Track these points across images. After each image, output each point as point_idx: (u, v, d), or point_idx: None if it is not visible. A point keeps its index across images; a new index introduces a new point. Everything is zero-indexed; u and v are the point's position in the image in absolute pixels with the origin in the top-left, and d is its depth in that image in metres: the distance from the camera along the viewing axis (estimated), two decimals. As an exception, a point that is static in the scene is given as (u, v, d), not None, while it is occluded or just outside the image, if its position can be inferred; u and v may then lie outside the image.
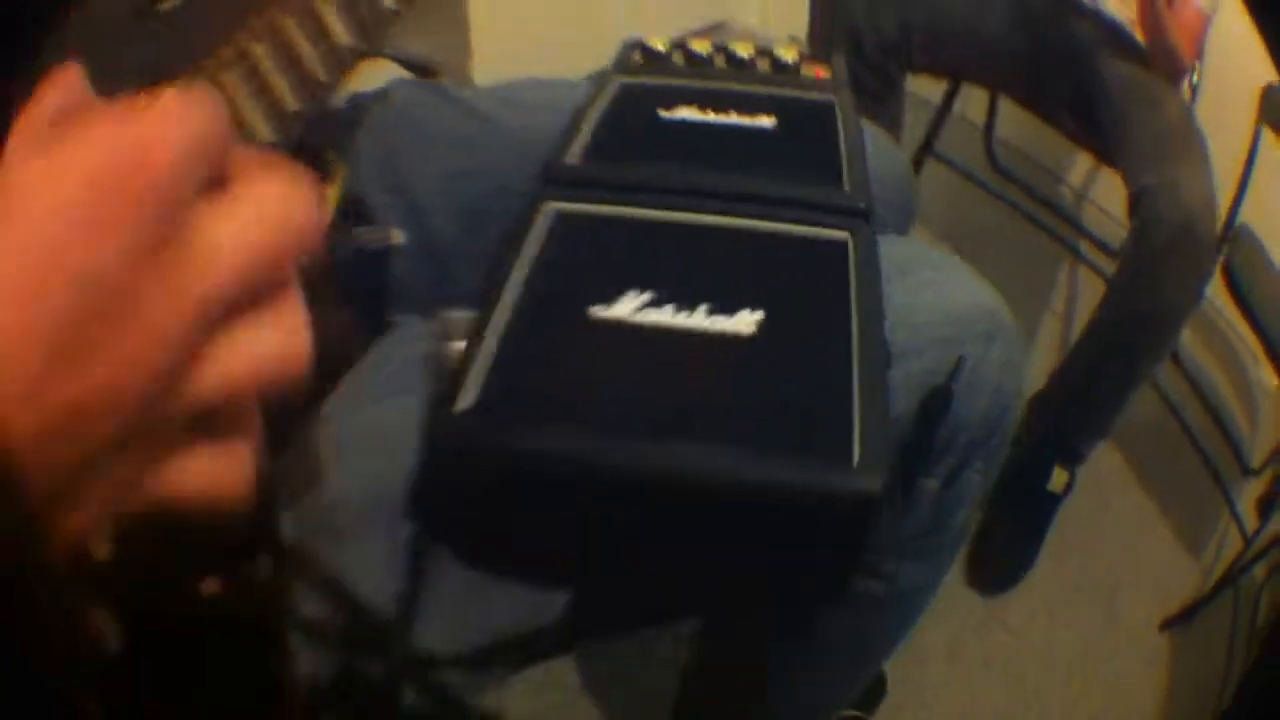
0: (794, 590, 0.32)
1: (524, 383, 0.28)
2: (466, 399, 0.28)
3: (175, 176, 0.17)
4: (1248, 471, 1.39)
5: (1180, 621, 1.27)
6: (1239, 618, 1.30)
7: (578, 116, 0.42)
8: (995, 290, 0.55)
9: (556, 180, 0.36)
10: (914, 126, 1.49)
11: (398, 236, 0.48)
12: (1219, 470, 1.43)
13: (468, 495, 0.30)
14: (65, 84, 0.20)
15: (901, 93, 1.31)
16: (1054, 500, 1.22)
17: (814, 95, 0.46)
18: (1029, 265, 1.63)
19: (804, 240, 0.34)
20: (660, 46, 0.49)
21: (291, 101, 0.39)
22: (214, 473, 0.20)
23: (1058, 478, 1.20)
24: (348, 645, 0.39)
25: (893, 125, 1.33)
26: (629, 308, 0.30)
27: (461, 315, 0.34)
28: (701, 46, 0.49)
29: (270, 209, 0.19)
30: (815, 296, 0.31)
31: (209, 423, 0.19)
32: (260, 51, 0.38)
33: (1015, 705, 1.15)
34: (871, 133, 0.59)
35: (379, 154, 0.53)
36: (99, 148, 0.17)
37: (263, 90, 0.38)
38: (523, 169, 0.53)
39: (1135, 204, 1.08)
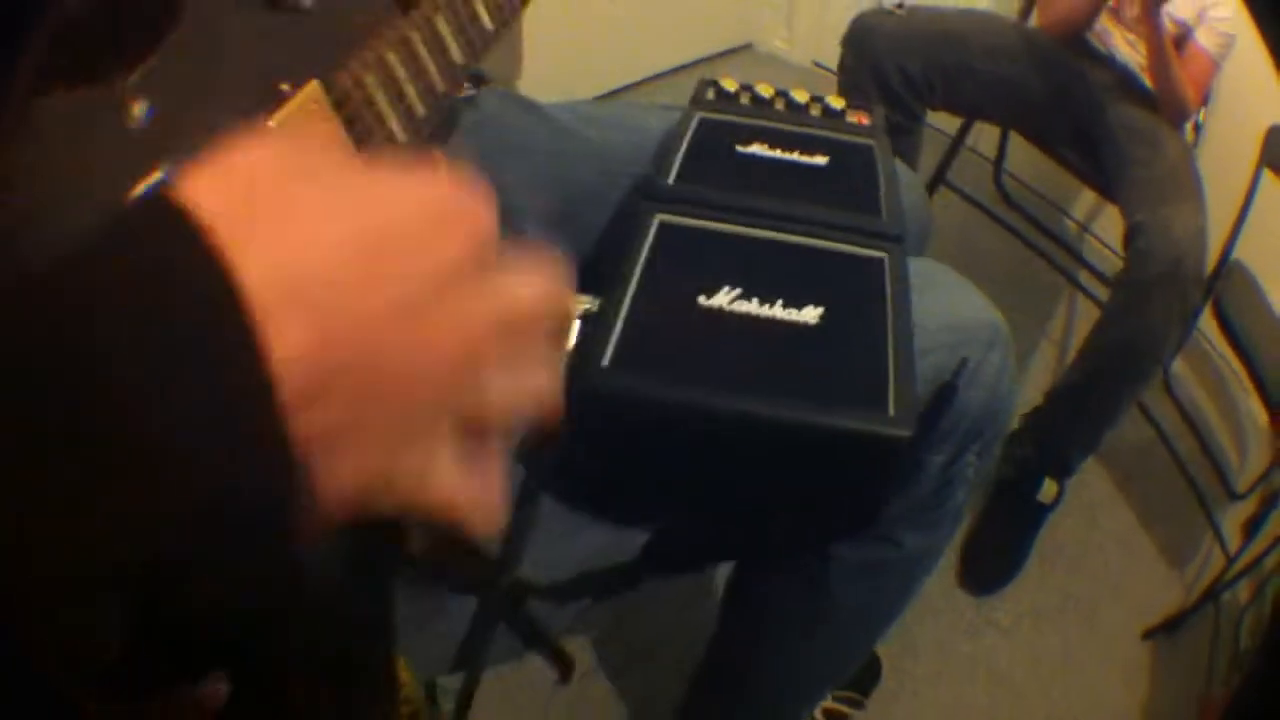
0: (834, 523, 0.44)
1: (649, 349, 0.40)
2: (606, 358, 0.39)
3: (489, 231, 0.23)
4: (1234, 496, 1.53)
5: (1162, 632, 1.40)
6: (1219, 634, 1.42)
7: (668, 143, 0.54)
8: (997, 308, 0.67)
9: (656, 196, 0.48)
10: (929, 155, 1.62)
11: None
12: (1204, 494, 1.56)
13: (596, 440, 0.41)
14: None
15: (921, 126, 1.44)
16: (1043, 510, 1.35)
17: (858, 139, 0.58)
18: (1030, 291, 1.76)
19: (853, 256, 0.46)
20: (730, 87, 0.61)
21: (420, 108, 0.50)
22: (476, 492, 0.22)
23: (1048, 489, 1.33)
24: (453, 580, 0.50)
25: (911, 155, 1.47)
26: (725, 299, 0.42)
27: (582, 297, 0.45)
28: (765, 90, 0.61)
29: (546, 278, 0.24)
30: (861, 298, 0.43)
31: (475, 442, 0.22)
32: (393, 59, 0.46)
33: (999, 704, 1.27)
34: (895, 166, 0.72)
35: (474, 158, 0.64)
36: (440, 191, 0.23)
37: (399, 96, 0.47)
38: (601, 178, 0.65)
39: (1130, 238, 1.21)
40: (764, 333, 0.41)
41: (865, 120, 0.60)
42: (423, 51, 0.46)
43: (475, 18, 0.52)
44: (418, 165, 0.23)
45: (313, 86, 0.39)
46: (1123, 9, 1.47)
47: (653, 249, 0.45)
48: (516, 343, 0.23)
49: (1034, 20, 1.55)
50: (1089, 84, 1.44)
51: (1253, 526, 1.38)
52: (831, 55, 1.96)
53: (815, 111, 0.60)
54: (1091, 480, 1.53)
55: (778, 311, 0.41)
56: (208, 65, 0.38)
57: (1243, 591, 1.42)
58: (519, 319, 0.23)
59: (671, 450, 0.41)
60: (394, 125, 0.44)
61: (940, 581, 1.33)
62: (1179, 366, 1.50)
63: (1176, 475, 1.59)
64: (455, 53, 0.50)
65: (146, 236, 0.18)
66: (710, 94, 0.60)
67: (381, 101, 0.43)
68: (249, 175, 0.20)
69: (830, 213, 0.47)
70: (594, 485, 0.45)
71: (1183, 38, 1.48)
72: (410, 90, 0.45)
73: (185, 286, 0.17)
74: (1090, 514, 1.50)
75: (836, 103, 0.60)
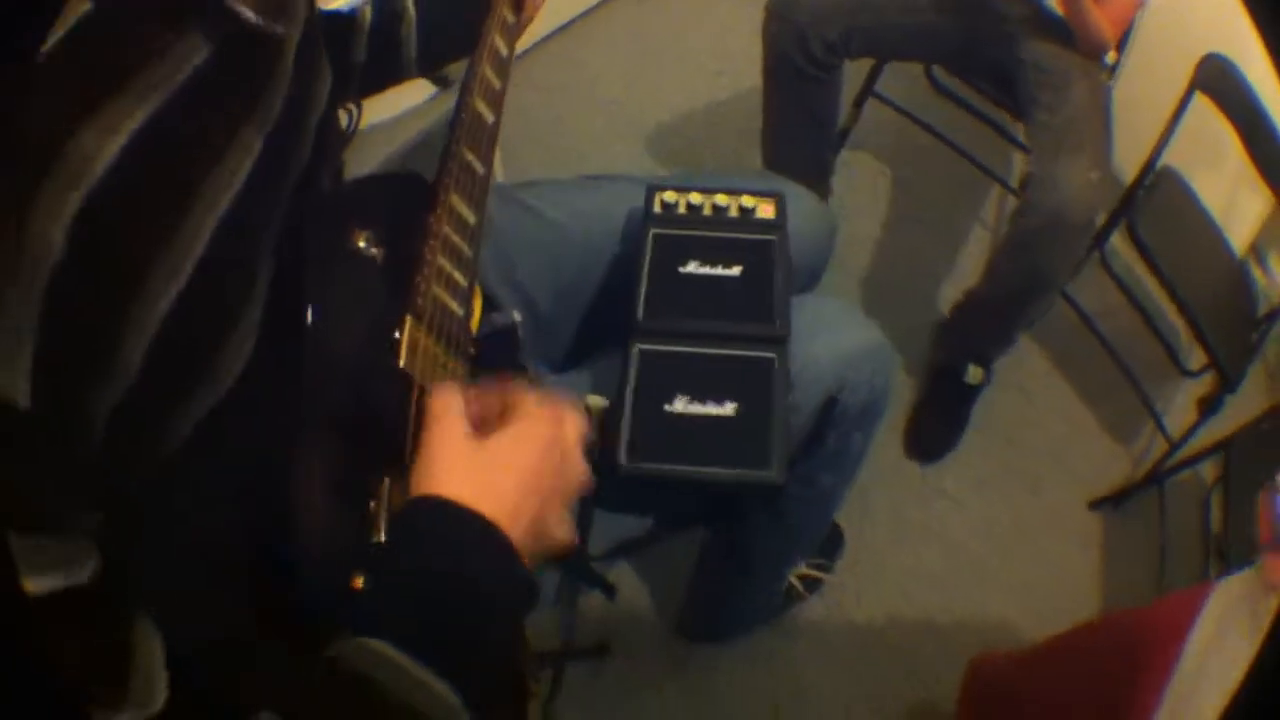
0: (755, 505, 0.88)
1: (643, 444, 0.82)
2: (622, 455, 0.82)
3: (575, 445, 0.65)
4: (1186, 373, 1.87)
5: (1109, 505, 1.81)
6: (1166, 512, 1.79)
7: (638, 269, 0.94)
8: (877, 328, 1.08)
9: (635, 330, 0.89)
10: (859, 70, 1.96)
11: (517, 316, 0.91)
12: (1135, 374, 1.91)
13: (622, 487, 0.84)
14: (450, 400, 0.64)
15: (840, 76, 1.78)
16: (973, 389, 1.78)
17: (764, 236, 0.98)
18: (964, 183, 2.15)
19: (754, 358, 0.87)
20: (670, 198, 1.01)
21: (463, 281, 0.77)
22: (571, 534, 0.65)
23: (973, 373, 1.76)
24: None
25: (832, 102, 1.82)
26: (681, 405, 0.83)
27: (595, 399, 0.86)
28: (700, 201, 1.00)
29: (579, 423, 0.66)
30: (759, 387, 0.85)
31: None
32: (443, 260, 0.74)
33: (957, 568, 1.71)
34: (803, 200, 1.12)
35: (495, 258, 1.03)
36: (541, 430, 0.63)
37: (452, 284, 0.75)
38: (590, 261, 1.05)
39: (1023, 185, 1.58)
40: (705, 424, 0.83)
41: (771, 212, 1.00)
42: (455, 237, 0.77)
43: (471, 170, 0.83)
44: (523, 404, 0.65)
45: (409, 322, 0.68)
46: None
47: (637, 371, 0.86)
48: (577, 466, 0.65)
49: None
50: (1002, 21, 1.73)
51: (1208, 406, 1.68)
52: None
53: (734, 211, 1.00)
54: (1027, 359, 1.95)
55: (710, 409, 0.84)
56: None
57: (1208, 471, 1.77)
58: (582, 487, 0.65)
59: (663, 488, 0.84)
60: (454, 306, 0.76)
61: (888, 454, 1.79)
62: (1117, 241, 1.77)
63: (1119, 353, 1.95)
64: (469, 217, 0.80)
65: (455, 520, 0.59)
66: (657, 206, 1.00)
67: (444, 296, 0.74)
68: (464, 477, 0.60)
69: (739, 326, 0.89)
70: (620, 504, 0.89)
71: None
72: (456, 274, 0.77)
73: (478, 533, 0.58)
74: (1025, 392, 1.93)
75: (749, 202, 1.00)
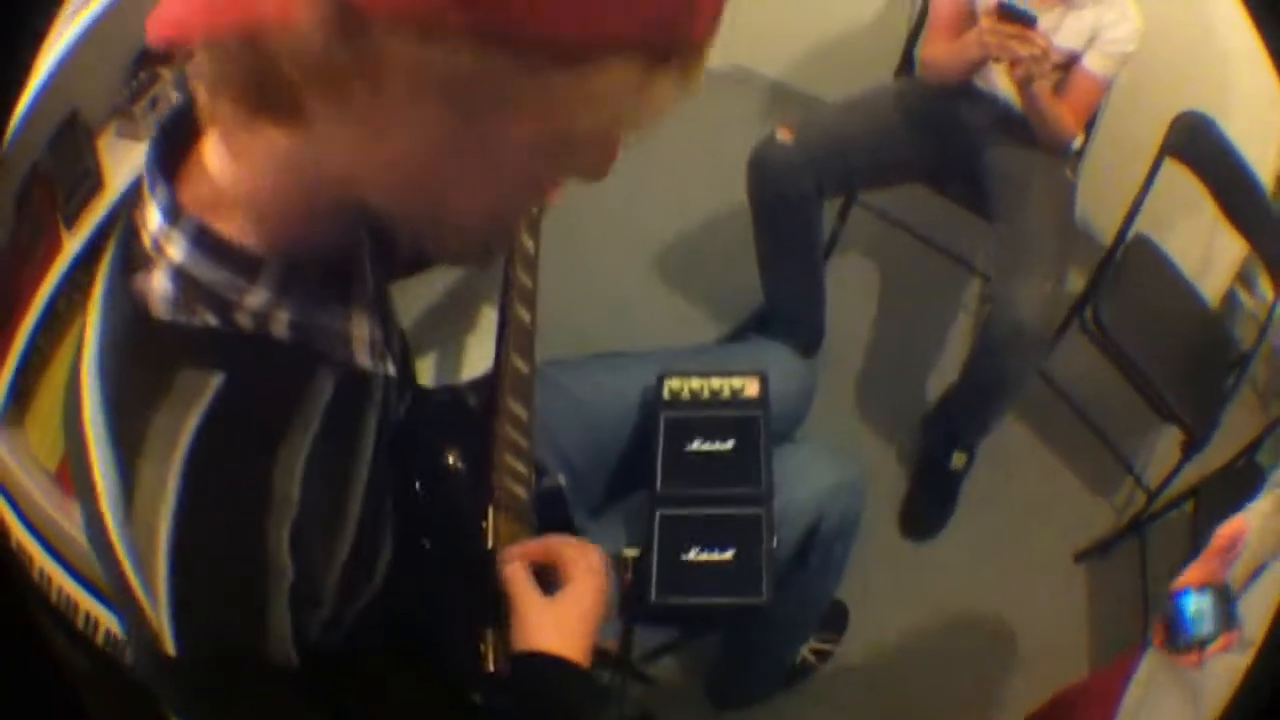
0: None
1: (667, 586, 1.23)
2: (652, 594, 1.22)
3: (605, 588, 1.05)
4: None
5: (1097, 554, 2.15)
6: (1148, 557, 2.11)
7: (654, 446, 1.35)
8: (854, 463, 1.48)
9: (655, 500, 1.30)
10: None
11: (562, 480, 1.32)
12: (1106, 432, 2.29)
13: (654, 615, 1.25)
14: (516, 571, 0.99)
15: (820, 214, 2.15)
16: (957, 475, 2.18)
17: (750, 413, 1.38)
18: (946, 280, 2.54)
19: (746, 516, 1.28)
20: (676, 385, 1.42)
21: (526, 444, 1.25)
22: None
23: (957, 459, 2.15)
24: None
25: (814, 236, 2.20)
26: (693, 553, 1.24)
27: (630, 551, 1.27)
28: (699, 386, 1.41)
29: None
30: (749, 538, 1.26)
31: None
32: (508, 456, 1.23)
33: (949, 623, 2.09)
34: (786, 361, 1.53)
35: (538, 431, 1.42)
36: (594, 583, 0.99)
37: (517, 453, 1.24)
38: (616, 430, 1.46)
39: (983, 299, 1.98)
40: (711, 567, 1.24)
41: (756, 391, 1.41)
42: (514, 434, 1.13)
43: (519, 372, 1.23)
44: (574, 561, 1.04)
45: (490, 512, 1.03)
46: (989, 72, 2.06)
47: (659, 531, 1.27)
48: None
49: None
50: (967, 130, 2.11)
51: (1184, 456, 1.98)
52: (750, 57, 2.80)
53: (726, 393, 1.41)
54: (1009, 429, 2.30)
55: (715, 555, 1.24)
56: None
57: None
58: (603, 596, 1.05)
59: (685, 611, 1.25)
60: (519, 491, 1.17)
61: (886, 535, 2.17)
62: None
63: (1098, 412, 2.33)
64: (522, 414, 1.20)
65: (559, 669, 0.98)
66: (666, 393, 1.41)
67: (510, 484, 1.11)
68: (551, 633, 0.98)
69: (734, 490, 1.29)
70: (653, 623, 1.30)
71: (1070, 64, 2.00)
72: (519, 465, 1.15)
73: (576, 678, 0.97)
74: (1007, 461, 2.30)
75: (738, 384, 1.41)
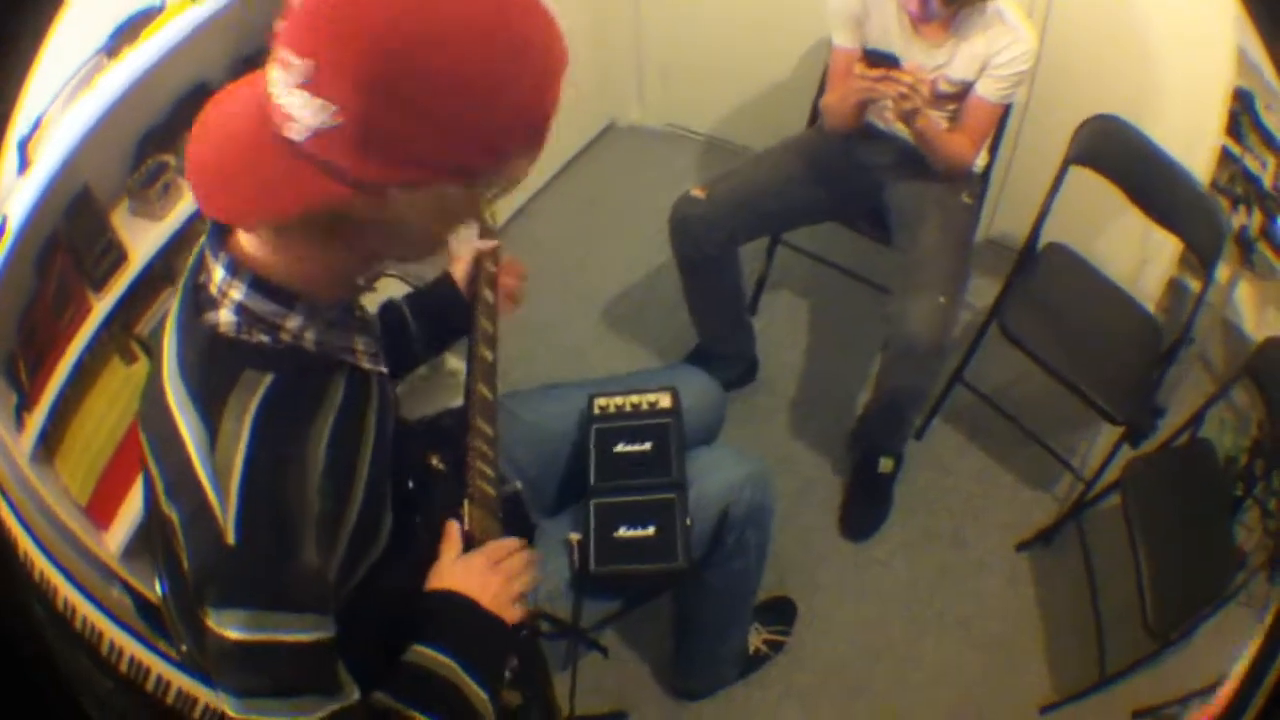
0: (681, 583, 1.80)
1: (602, 553, 1.73)
2: (592, 562, 1.73)
3: (524, 567, 1.51)
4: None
5: (1039, 543, 2.56)
6: (1089, 541, 2.49)
7: (587, 452, 1.86)
8: (759, 459, 1.98)
9: (591, 493, 1.81)
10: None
11: (519, 485, 1.82)
12: (1038, 432, 2.71)
13: (595, 582, 1.75)
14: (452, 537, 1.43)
15: (737, 258, 2.64)
16: (887, 477, 2.65)
17: (662, 420, 1.89)
18: (868, 307, 3.01)
19: (662, 500, 1.78)
20: (603, 403, 1.92)
21: (491, 473, 1.75)
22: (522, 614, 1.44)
23: (884, 464, 2.61)
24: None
25: (734, 279, 2.68)
26: (623, 530, 1.75)
27: (574, 535, 1.76)
28: (621, 402, 1.91)
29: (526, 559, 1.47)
30: (667, 516, 1.77)
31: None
32: (478, 461, 1.74)
33: (891, 615, 2.52)
34: (696, 380, 2.05)
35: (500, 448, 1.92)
36: (479, 561, 1.42)
37: (484, 473, 1.74)
38: (559, 444, 1.97)
39: (883, 320, 2.42)
40: (638, 541, 1.74)
41: (668, 402, 1.91)
42: (483, 447, 1.67)
43: (485, 399, 1.75)
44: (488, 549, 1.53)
45: (467, 505, 1.49)
46: (884, 112, 2.47)
47: (595, 516, 1.77)
48: (510, 574, 1.46)
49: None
50: (867, 169, 2.58)
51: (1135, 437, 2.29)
52: (682, 116, 3.37)
53: (644, 406, 1.91)
54: (941, 437, 2.79)
55: (640, 532, 1.74)
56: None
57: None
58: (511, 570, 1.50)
59: (619, 579, 1.75)
60: (489, 490, 1.68)
61: (827, 537, 2.63)
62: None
63: (1036, 407, 2.75)
64: (489, 430, 1.73)
65: (449, 599, 1.40)
66: (595, 409, 1.92)
67: (483, 485, 1.63)
68: (459, 579, 1.44)
69: (653, 480, 1.80)
70: (597, 593, 1.79)
71: (962, 93, 2.36)
72: (487, 469, 1.67)
73: (462, 604, 1.38)
74: (942, 465, 2.77)
75: (653, 398, 1.91)
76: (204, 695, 1.63)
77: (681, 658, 2.29)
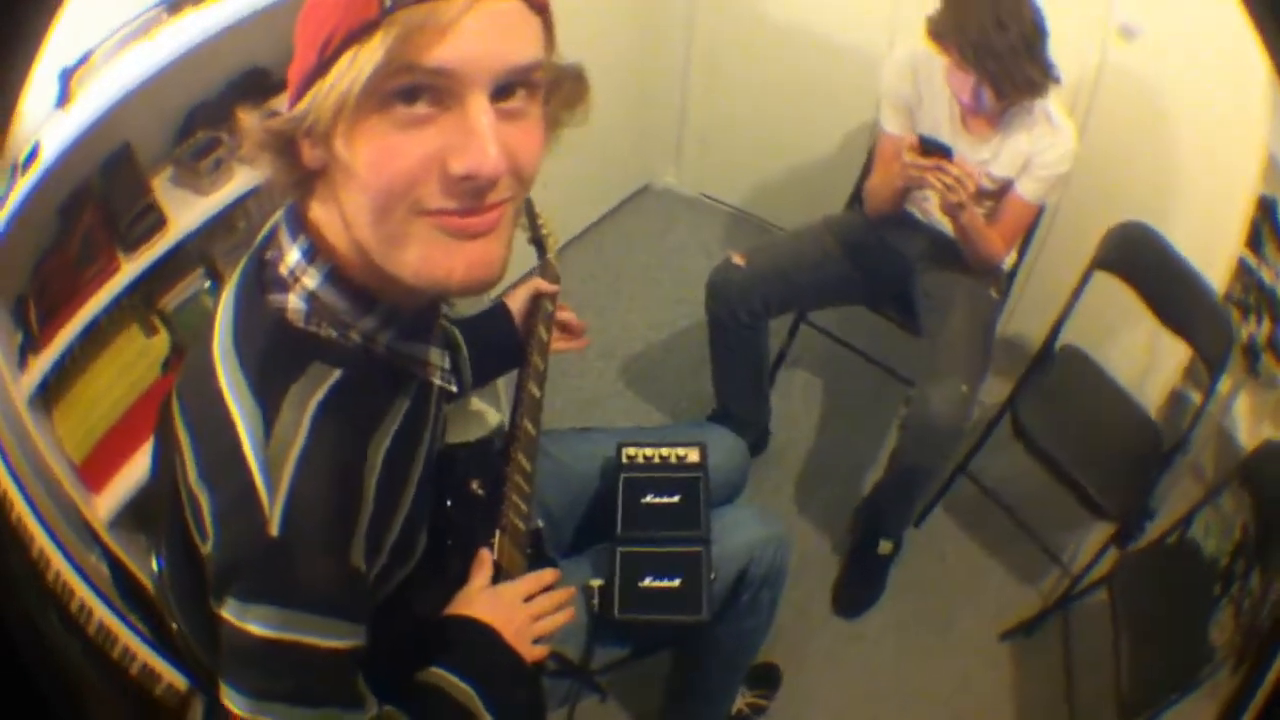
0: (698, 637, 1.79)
1: (626, 599, 1.72)
2: (615, 610, 1.72)
3: (554, 606, 1.50)
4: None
5: (1020, 634, 2.49)
6: (1071, 635, 2.49)
7: (615, 500, 1.86)
8: (780, 522, 1.98)
9: (616, 540, 1.81)
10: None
11: (540, 523, 1.81)
12: (1031, 526, 2.74)
13: (616, 628, 1.74)
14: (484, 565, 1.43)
15: (766, 330, 2.68)
16: (884, 559, 2.66)
17: (691, 475, 1.89)
18: (882, 390, 3.06)
19: (689, 553, 1.78)
20: (632, 452, 1.92)
21: (525, 507, 1.74)
22: (541, 655, 1.44)
23: (884, 546, 2.63)
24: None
25: (761, 351, 2.72)
26: (648, 580, 1.74)
27: (596, 581, 1.75)
28: (651, 453, 1.91)
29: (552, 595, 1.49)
30: (691, 570, 1.76)
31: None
32: (515, 494, 1.73)
33: (875, 690, 2.52)
34: (724, 440, 2.05)
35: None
36: (508, 597, 1.42)
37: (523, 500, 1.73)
38: (585, 487, 1.97)
39: (905, 402, 2.46)
40: (662, 591, 1.73)
41: (697, 457, 1.92)
42: (520, 481, 1.68)
43: (529, 434, 1.75)
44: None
45: (499, 536, 1.52)
46: (924, 202, 2.52)
47: (620, 564, 1.77)
48: (540, 614, 1.45)
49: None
50: (900, 256, 2.61)
51: (1124, 537, 2.32)
52: (716, 187, 3.38)
53: (673, 459, 1.91)
54: (941, 524, 2.80)
55: (664, 583, 1.74)
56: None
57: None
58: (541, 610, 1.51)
59: (640, 628, 1.73)
60: (520, 525, 1.67)
61: (818, 610, 2.63)
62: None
63: (1032, 503, 2.77)
64: (528, 466, 1.73)
65: (475, 628, 1.40)
66: (624, 458, 1.92)
67: (515, 519, 1.64)
68: (487, 609, 1.44)
69: (681, 534, 1.80)
70: (612, 639, 1.78)
71: (1005, 190, 2.36)
72: (522, 504, 1.67)
73: (486, 634, 1.39)
74: (939, 552, 2.78)
75: (682, 452, 1.91)
76: (169, 674, 1.58)
77: (672, 710, 2.27)
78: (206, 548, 1.05)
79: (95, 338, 2.15)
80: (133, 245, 2.05)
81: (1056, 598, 2.61)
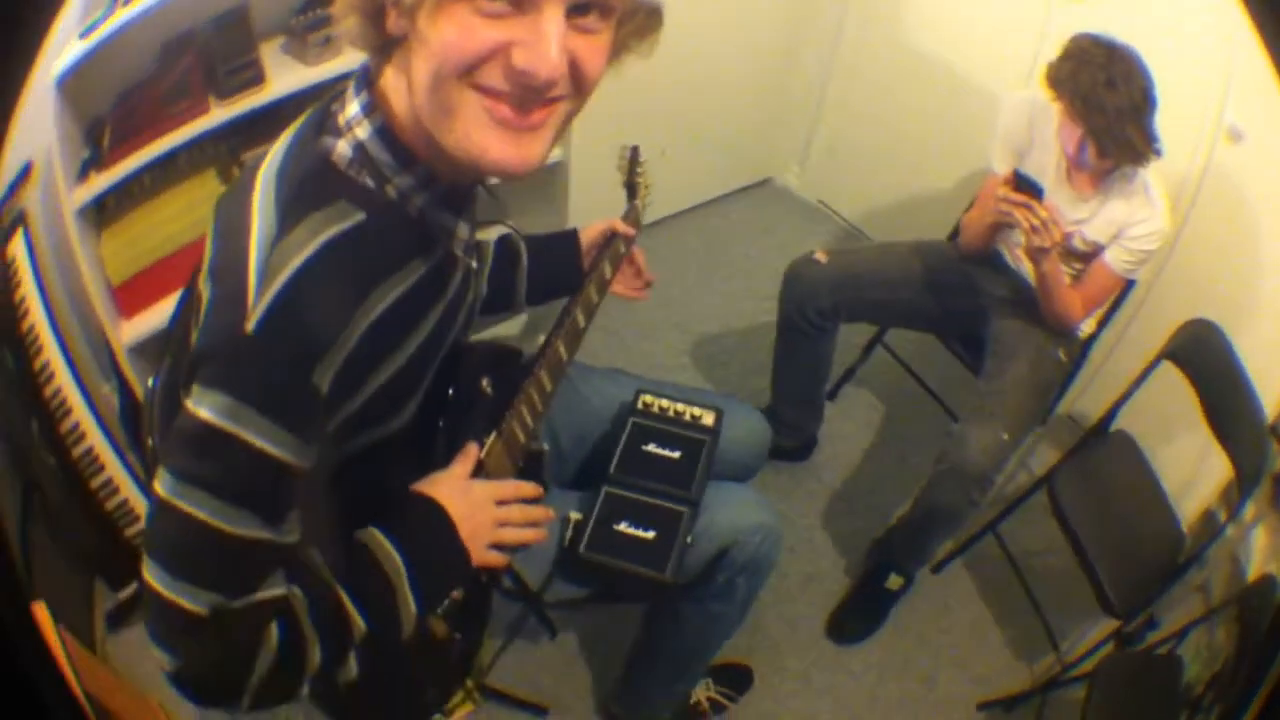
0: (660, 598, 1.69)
1: (598, 544, 1.64)
2: (583, 545, 1.63)
3: (525, 519, 1.44)
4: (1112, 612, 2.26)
5: (1000, 707, 2.44)
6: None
7: (618, 438, 1.76)
8: (777, 516, 1.87)
9: (606, 479, 1.72)
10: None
11: (545, 446, 1.75)
12: (1040, 604, 2.59)
13: (576, 565, 1.65)
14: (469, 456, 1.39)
15: (833, 336, 2.60)
16: (891, 594, 2.53)
17: (699, 436, 1.80)
18: (938, 430, 2.93)
19: (674, 509, 1.68)
20: (649, 400, 1.83)
21: (541, 406, 1.66)
22: (501, 561, 1.39)
23: (893, 580, 2.51)
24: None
25: (824, 356, 2.64)
26: (623, 526, 1.64)
27: (576, 514, 1.67)
28: (667, 405, 1.82)
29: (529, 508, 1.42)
30: (669, 527, 1.66)
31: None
32: (526, 405, 1.65)
33: None
34: (748, 416, 1.95)
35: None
36: (481, 494, 1.36)
37: (533, 412, 1.65)
38: (598, 424, 1.89)
39: (945, 434, 2.36)
40: (634, 540, 1.64)
41: (711, 421, 1.82)
42: (535, 397, 1.60)
43: (558, 355, 1.69)
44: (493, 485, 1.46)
45: (493, 437, 1.47)
46: (1015, 248, 2.43)
47: (602, 503, 1.68)
48: (507, 521, 1.39)
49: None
50: (978, 298, 2.52)
51: (1130, 638, 2.21)
52: (833, 196, 3.29)
53: (687, 416, 1.82)
54: (956, 578, 2.68)
55: (639, 532, 1.64)
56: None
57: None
58: (508, 518, 1.43)
59: (601, 570, 1.64)
60: (521, 436, 1.60)
61: (810, 628, 2.53)
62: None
63: (1050, 582, 2.64)
64: (548, 386, 1.66)
65: (429, 507, 1.34)
66: (640, 404, 1.83)
67: (517, 429, 1.56)
68: (452, 497, 1.37)
69: (669, 488, 1.70)
70: (574, 578, 1.69)
71: (1092, 254, 2.30)
72: (528, 418, 1.59)
73: (439, 519, 1.33)
74: (946, 605, 2.65)
75: (698, 412, 1.82)
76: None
77: (626, 682, 2.18)
78: (194, 341, 1.08)
79: (169, 170, 2.18)
80: (227, 93, 2.14)
81: (1043, 681, 2.47)
